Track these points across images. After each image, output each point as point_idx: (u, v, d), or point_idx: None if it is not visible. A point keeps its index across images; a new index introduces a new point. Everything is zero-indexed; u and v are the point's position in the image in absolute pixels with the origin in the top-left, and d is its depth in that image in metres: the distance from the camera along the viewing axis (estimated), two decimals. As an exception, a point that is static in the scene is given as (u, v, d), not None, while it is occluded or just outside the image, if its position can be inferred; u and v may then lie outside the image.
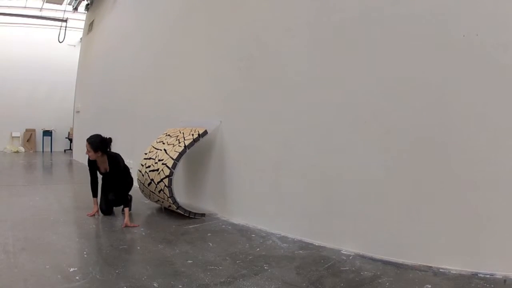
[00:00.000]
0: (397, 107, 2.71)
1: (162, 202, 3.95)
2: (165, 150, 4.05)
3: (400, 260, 2.59)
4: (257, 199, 3.64)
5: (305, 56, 3.26)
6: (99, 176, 3.91)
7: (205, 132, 4.02)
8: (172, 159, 3.81)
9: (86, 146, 3.68)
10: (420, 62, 2.62)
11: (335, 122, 3.04)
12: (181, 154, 3.85)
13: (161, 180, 3.79)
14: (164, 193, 3.76)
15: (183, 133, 4.15)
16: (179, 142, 3.99)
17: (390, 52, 2.74)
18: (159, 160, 3.97)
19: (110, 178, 3.83)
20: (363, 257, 2.71)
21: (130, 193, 3.96)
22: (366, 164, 2.84)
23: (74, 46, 12.32)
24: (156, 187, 3.86)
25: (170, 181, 3.74)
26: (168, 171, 3.76)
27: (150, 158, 4.09)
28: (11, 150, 11.88)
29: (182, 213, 3.79)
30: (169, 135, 4.34)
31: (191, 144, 3.91)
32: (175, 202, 3.75)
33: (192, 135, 3.99)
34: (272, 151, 3.52)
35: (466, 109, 2.47)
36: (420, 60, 2.62)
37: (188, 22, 4.83)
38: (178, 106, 4.97)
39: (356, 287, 2.22)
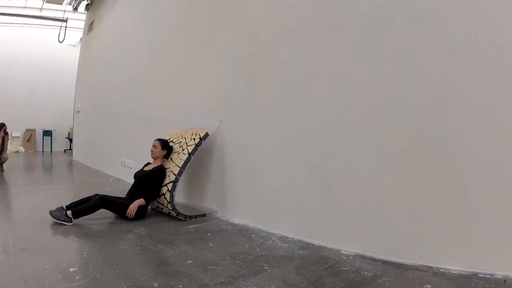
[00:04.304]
0: (397, 107, 2.71)
1: (162, 208, 3.95)
2: (171, 159, 4.10)
3: (400, 260, 2.59)
4: (257, 199, 3.64)
5: (305, 56, 3.26)
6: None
7: (206, 135, 4.03)
8: (178, 167, 3.87)
9: (154, 143, 4.04)
10: (420, 62, 2.62)
11: (335, 122, 3.04)
12: (186, 162, 3.91)
13: (165, 184, 3.80)
14: (165, 198, 3.76)
15: (185, 138, 4.16)
16: (183, 150, 4.03)
17: (390, 52, 2.74)
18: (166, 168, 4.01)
19: (144, 179, 3.88)
20: (363, 257, 2.71)
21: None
22: (366, 164, 2.84)
23: (74, 46, 12.33)
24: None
25: (174, 187, 3.77)
26: (174, 177, 3.81)
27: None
28: (11, 150, 11.86)
29: (183, 218, 3.76)
30: (172, 141, 4.34)
31: (194, 150, 3.96)
32: (174, 208, 3.74)
33: (194, 139, 4.01)
34: (272, 151, 3.52)
35: (466, 109, 2.47)
36: (420, 60, 2.62)
37: (188, 22, 4.83)
38: (178, 106, 4.97)
39: (356, 287, 2.22)
